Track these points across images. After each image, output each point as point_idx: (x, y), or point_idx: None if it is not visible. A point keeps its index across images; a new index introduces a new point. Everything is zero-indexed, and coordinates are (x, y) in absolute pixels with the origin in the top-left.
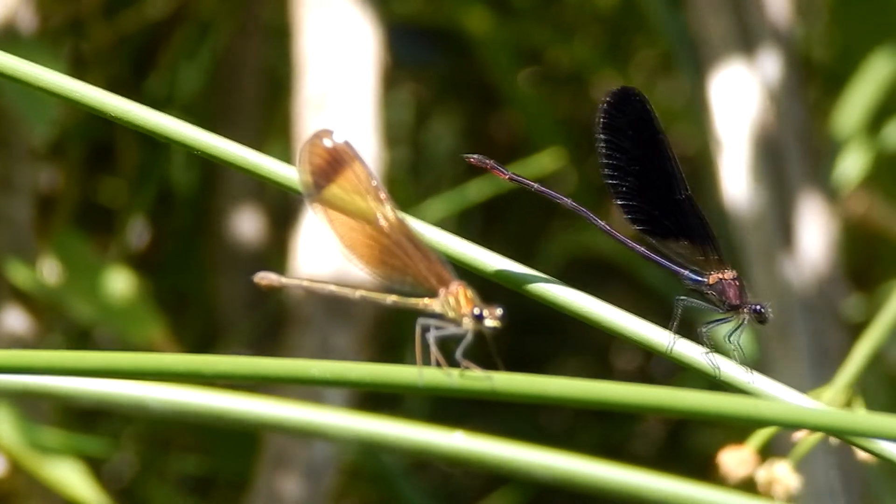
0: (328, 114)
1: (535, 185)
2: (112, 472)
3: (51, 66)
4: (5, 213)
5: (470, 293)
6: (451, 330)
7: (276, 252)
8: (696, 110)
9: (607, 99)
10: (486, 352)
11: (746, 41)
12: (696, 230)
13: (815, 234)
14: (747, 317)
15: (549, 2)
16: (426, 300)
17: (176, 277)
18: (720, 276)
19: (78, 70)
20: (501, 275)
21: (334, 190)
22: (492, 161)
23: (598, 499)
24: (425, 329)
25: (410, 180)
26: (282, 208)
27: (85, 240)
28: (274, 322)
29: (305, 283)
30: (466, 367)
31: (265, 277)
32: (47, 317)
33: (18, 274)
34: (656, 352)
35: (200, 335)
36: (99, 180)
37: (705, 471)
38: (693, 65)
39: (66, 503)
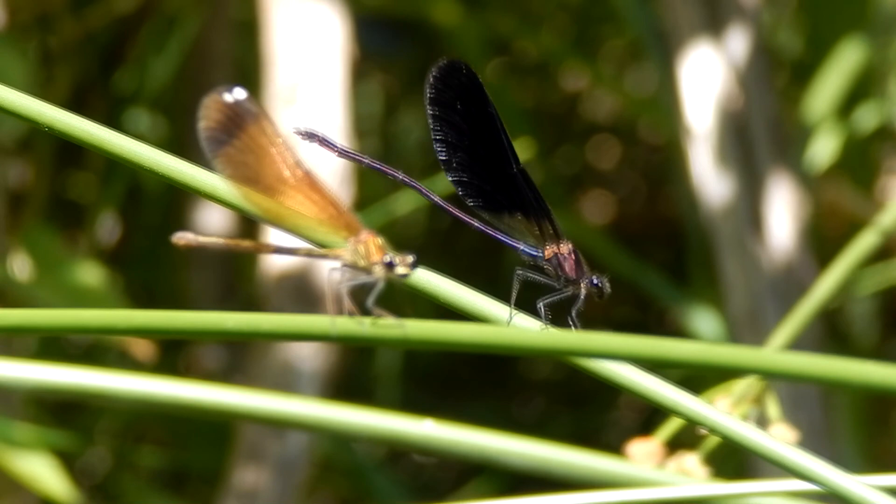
0: (298, 106)
1: (366, 161)
2: (85, 467)
3: (18, 62)
4: None
5: (380, 241)
6: (363, 279)
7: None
8: (665, 99)
9: (434, 73)
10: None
11: (715, 28)
12: (530, 204)
13: (784, 221)
14: (584, 290)
15: None
16: (337, 250)
17: (146, 272)
18: (556, 249)
19: (46, 66)
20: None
21: (237, 145)
22: (321, 134)
23: (572, 486)
24: (337, 279)
25: (378, 175)
26: None
27: (55, 235)
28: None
29: (222, 241)
30: (379, 316)
31: (182, 237)
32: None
33: None
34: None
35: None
36: (68, 175)
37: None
38: (662, 53)
39: (37, 499)
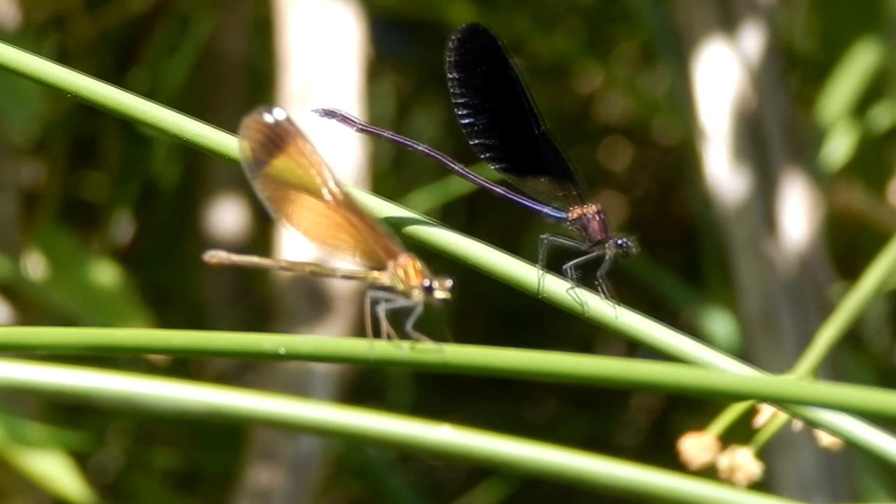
0: (312, 107)
1: (387, 134)
2: (97, 466)
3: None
4: None
5: (419, 265)
6: (401, 303)
7: (259, 244)
8: (679, 100)
9: (456, 36)
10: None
11: (729, 29)
12: (555, 166)
13: (799, 221)
14: (611, 251)
15: None
16: (375, 273)
17: (160, 271)
18: (582, 210)
19: (60, 64)
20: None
21: (277, 165)
22: (340, 111)
23: (583, 491)
24: (375, 302)
25: (393, 173)
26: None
27: (69, 234)
28: (258, 315)
29: (255, 261)
30: (417, 340)
31: (215, 256)
32: (32, 311)
33: (3, 268)
34: (528, 291)
35: (184, 328)
36: (82, 175)
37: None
38: (675, 54)
39: (51, 498)
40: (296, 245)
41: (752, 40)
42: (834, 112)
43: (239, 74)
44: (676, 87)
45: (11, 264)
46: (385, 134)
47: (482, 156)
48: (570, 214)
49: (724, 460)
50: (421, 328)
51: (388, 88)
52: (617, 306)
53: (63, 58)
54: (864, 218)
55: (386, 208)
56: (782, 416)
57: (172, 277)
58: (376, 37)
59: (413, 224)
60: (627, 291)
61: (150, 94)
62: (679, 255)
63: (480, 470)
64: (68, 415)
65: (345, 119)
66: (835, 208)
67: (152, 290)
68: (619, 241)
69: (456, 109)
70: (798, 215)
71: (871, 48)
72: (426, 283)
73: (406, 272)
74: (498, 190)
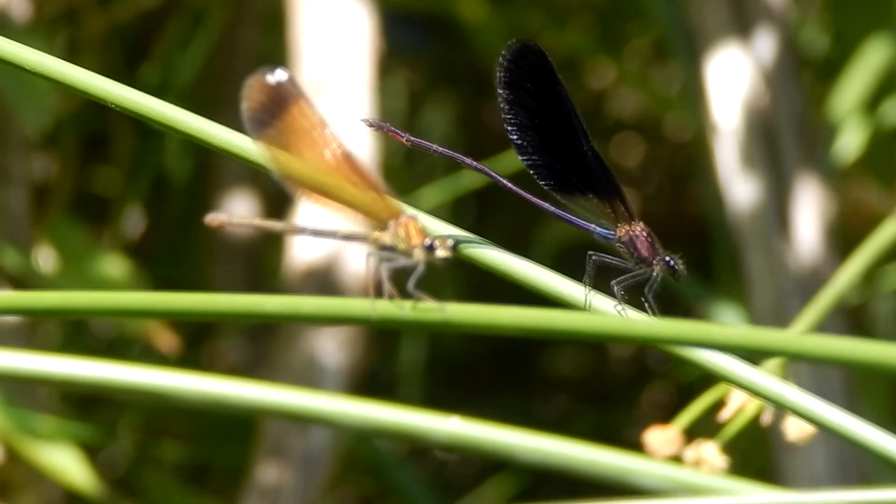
0: (323, 102)
1: (435, 148)
2: (108, 460)
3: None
4: (1, 203)
5: (420, 224)
6: (403, 262)
7: (270, 240)
8: (691, 97)
9: (506, 54)
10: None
11: (742, 26)
12: (601, 184)
13: (810, 219)
14: (658, 269)
15: None
16: (376, 233)
17: (171, 266)
18: (629, 229)
19: (72, 59)
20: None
21: (279, 126)
22: (388, 125)
23: (595, 484)
24: (376, 262)
25: (405, 168)
26: (276, 196)
27: (80, 229)
28: None
29: (256, 223)
30: (419, 299)
31: (215, 218)
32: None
33: (14, 262)
34: (575, 307)
35: (195, 323)
36: (94, 169)
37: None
38: (688, 51)
39: (61, 491)
40: (305, 240)
41: (764, 37)
42: (846, 108)
43: (251, 68)
44: (689, 84)
45: (23, 258)
46: (434, 148)
47: (532, 173)
48: (618, 232)
49: (690, 453)
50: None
51: (400, 84)
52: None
53: (75, 52)
54: (877, 214)
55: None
56: (754, 406)
57: (183, 272)
58: (388, 32)
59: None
60: (640, 287)
61: (162, 89)
62: (691, 251)
63: (491, 465)
64: (79, 407)
65: (393, 132)
66: (847, 205)
67: (163, 285)
68: (668, 260)
69: (506, 126)
70: (809, 212)
71: (884, 44)
72: (427, 242)
73: (407, 231)
74: (549, 207)
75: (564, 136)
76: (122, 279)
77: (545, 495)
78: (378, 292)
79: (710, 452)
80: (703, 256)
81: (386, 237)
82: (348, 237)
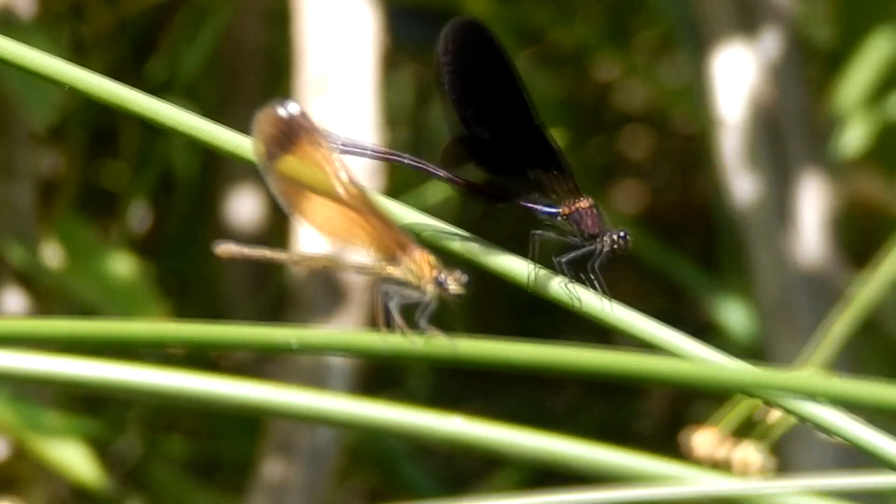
0: (329, 96)
1: (370, 150)
2: (116, 455)
3: (50, 51)
4: (7, 198)
5: (432, 259)
6: (414, 296)
7: (277, 234)
8: (697, 91)
9: (447, 32)
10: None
11: (748, 19)
12: (548, 160)
13: (815, 213)
14: (605, 245)
15: None
16: (388, 267)
17: (178, 261)
18: (576, 204)
19: (78, 54)
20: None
21: (290, 160)
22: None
23: (599, 478)
24: (387, 296)
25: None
26: None
27: (87, 224)
28: (276, 304)
29: (267, 254)
30: (430, 334)
31: (226, 249)
32: (50, 301)
33: (20, 258)
34: (519, 284)
35: (202, 318)
36: (101, 164)
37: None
38: (694, 44)
39: (69, 487)
40: (312, 236)
41: (770, 31)
42: (851, 101)
43: (257, 63)
44: (694, 77)
45: (29, 253)
46: (368, 150)
47: (472, 156)
48: (563, 210)
49: (738, 455)
50: (435, 319)
51: (406, 77)
52: (609, 301)
53: (81, 48)
54: (882, 207)
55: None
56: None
57: (191, 267)
58: (394, 25)
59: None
60: (648, 279)
61: (169, 83)
62: (697, 244)
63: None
64: (86, 403)
65: (356, 148)
66: (852, 197)
67: (171, 280)
68: (615, 234)
69: (448, 99)
70: (814, 205)
71: (889, 37)
72: (439, 277)
73: (419, 266)
74: (485, 191)
75: (511, 113)
76: (129, 275)
77: (552, 485)
78: (388, 326)
79: (755, 453)
80: (708, 250)
81: (397, 271)
82: (360, 270)
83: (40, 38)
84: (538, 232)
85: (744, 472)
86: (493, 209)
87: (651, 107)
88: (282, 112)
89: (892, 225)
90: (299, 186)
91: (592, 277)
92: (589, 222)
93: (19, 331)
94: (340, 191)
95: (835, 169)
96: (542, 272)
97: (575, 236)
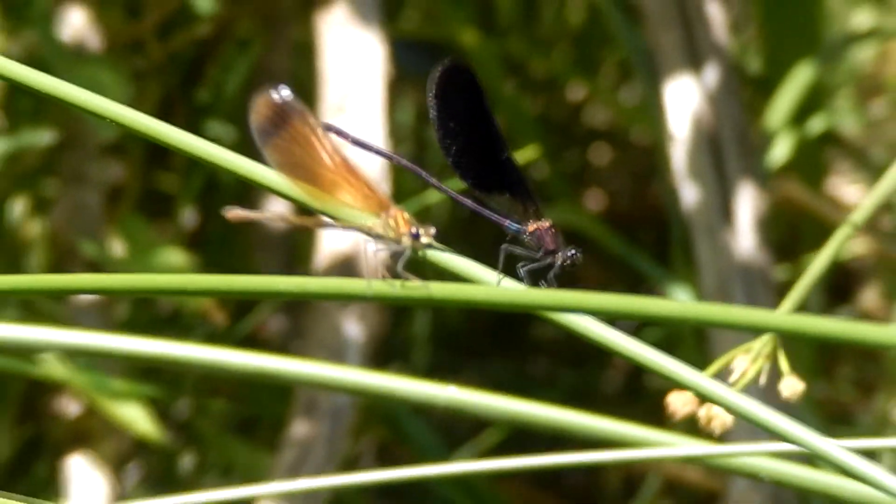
0: (346, 116)
1: (377, 148)
2: (171, 414)
3: (114, 79)
4: (79, 202)
5: (407, 215)
6: (392, 248)
7: (303, 232)
8: (652, 111)
9: (438, 71)
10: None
11: (691, 51)
12: (516, 186)
13: (748, 213)
14: (561, 260)
15: (529, 20)
16: (370, 223)
17: (220, 254)
18: (538, 225)
19: (137, 82)
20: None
21: (283, 136)
22: (334, 126)
23: (569, 437)
24: (371, 248)
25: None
26: None
27: (146, 223)
28: None
29: (268, 216)
30: (407, 279)
31: (233, 211)
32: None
33: (91, 252)
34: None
35: (241, 302)
36: (157, 173)
37: (659, 412)
38: (649, 73)
39: (133, 440)
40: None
41: (710, 61)
42: (778, 121)
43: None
44: (649, 99)
45: (98, 248)
46: (375, 147)
47: (457, 172)
48: (527, 227)
49: (702, 412)
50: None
51: (408, 102)
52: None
53: (138, 76)
54: (804, 209)
55: None
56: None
57: (231, 258)
58: (399, 57)
59: None
60: (611, 269)
61: (212, 105)
62: (651, 239)
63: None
64: (147, 371)
65: (340, 133)
66: (780, 201)
67: (214, 270)
68: (570, 252)
69: (437, 132)
70: (748, 207)
71: (810, 67)
72: (413, 230)
73: (396, 222)
74: (467, 202)
75: (487, 144)
76: (181, 266)
77: (535, 439)
78: (373, 274)
79: (718, 411)
80: (661, 244)
81: (378, 227)
82: (348, 226)
83: (106, 68)
84: (505, 246)
85: (709, 427)
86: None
87: (614, 124)
88: (276, 96)
89: (813, 224)
90: (292, 158)
91: (548, 286)
92: (548, 240)
93: (94, 285)
94: (327, 160)
95: (765, 177)
96: (507, 280)
97: (536, 251)
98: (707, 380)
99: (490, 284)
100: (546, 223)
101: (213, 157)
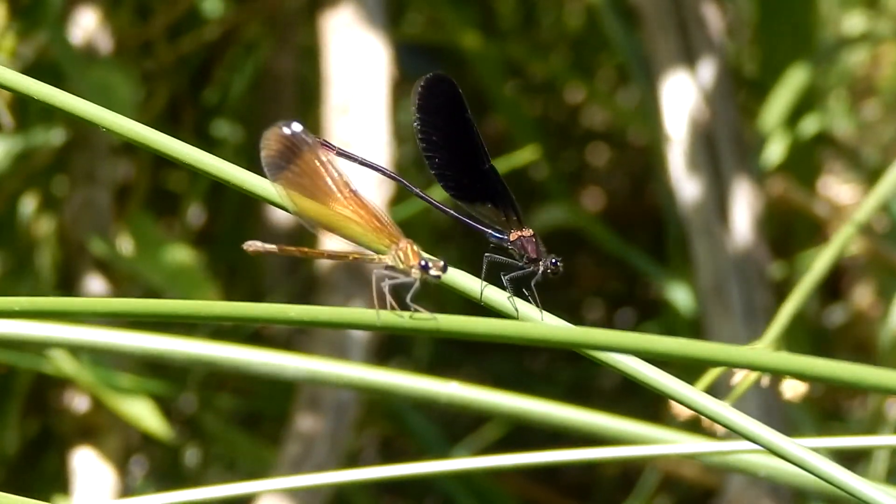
0: (350, 117)
1: (360, 159)
2: (176, 408)
3: (124, 81)
4: (89, 200)
5: (416, 248)
6: (402, 279)
7: (308, 231)
8: (648, 112)
9: (421, 84)
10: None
11: (688, 55)
12: (498, 195)
13: (744, 212)
14: (542, 267)
15: (529, 24)
16: (380, 256)
17: (227, 251)
18: (520, 233)
19: (146, 84)
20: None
21: (294, 171)
22: (320, 139)
23: (565, 431)
24: (380, 279)
25: (415, 171)
26: None
27: (154, 221)
28: (307, 286)
29: (284, 248)
30: (416, 310)
31: (252, 245)
32: (124, 284)
33: (100, 249)
34: (472, 298)
35: (247, 298)
36: (165, 172)
37: (655, 405)
38: (645, 75)
39: (138, 434)
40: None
41: (706, 64)
42: (773, 122)
43: (291, 91)
44: (646, 101)
45: (107, 245)
46: (359, 158)
47: (440, 183)
48: (509, 236)
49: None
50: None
51: (409, 103)
52: (542, 311)
53: (148, 78)
54: (798, 208)
55: None
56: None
57: (237, 256)
58: (402, 60)
59: None
60: (608, 268)
61: (220, 106)
62: (648, 237)
63: None
64: (153, 366)
65: (325, 145)
66: (774, 200)
67: (221, 267)
68: (551, 260)
69: (420, 144)
70: (744, 206)
71: (803, 70)
72: (422, 262)
73: (405, 254)
74: (451, 212)
75: (469, 155)
76: (187, 262)
77: (530, 436)
78: (382, 304)
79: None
80: (658, 242)
81: (388, 259)
82: (358, 259)
83: (116, 70)
84: (489, 254)
85: (711, 428)
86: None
87: (611, 125)
88: (286, 130)
89: (806, 222)
90: (303, 191)
91: (530, 293)
92: (530, 248)
93: (101, 308)
94: (338, 194)
95: (760, 176)
96: (491, 288)
97: (518, 259)
98: (699, 393)
99: (492, 317)
100: (528, 232)
101: (215, 170)
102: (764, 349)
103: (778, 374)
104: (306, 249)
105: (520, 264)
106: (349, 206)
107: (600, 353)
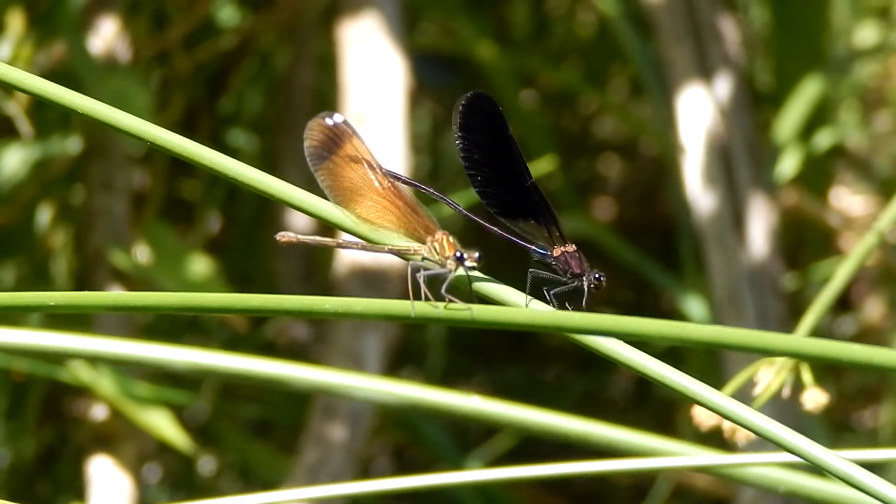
0: (367, 127)
1: (404, 178)
2: (191, 416)
3: (141, 89)
4: (106, 208)
5: (452, 239)
6: (437, 270)
7: (324, 235)
8: (661, 123)
9: (462, 102)
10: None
11: (703, 66)
12: (541, 212)
13: (759, 223)
14: (586, 283)
15: (542, 35)
16: (416, 247)
17: (242, 259)
18: (563, 249)
19: (163, 92)
20: None
21: (335, 160)
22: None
23: (576, 442)
24: (416, 270)
25: (430, 181)
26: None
27: (170, 229)
28: (322, 293)
29: (318, 239)
30: (451, 300)
31: (284, 236)
32: (140, 291)
33: (117, 257)
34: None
35: None
36: (181, 180)
37: (666, 415)
38: (659, 87)
39: (155, 443)
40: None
41: (721, 75)
42: (787, 134)
43: (307, 100)
44: (659, 112)
45: (124, 253)
46: (402, 177)
47: (483, 200)
48: (553, 252)
49: (726, 423)
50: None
51: (425, 112)
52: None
53: (165, 86)
54: (811, 219)
55: None
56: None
57: (253, 263)
58: (418, 70)
59: None
60: (621, 278)
61: (236, 115)
62: (661, 248)
63: None
64: (169, 376)
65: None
66: (787, 211)
67: (236, 274)
68: (595, 275)
69: (462, 162)
70: (758, 217)
71: (817, 83)
72: (458, 254)
73: (441, 245)
74: (495, 229)
75: (511, 173)
76: (203, 270)
77: (542, 444)
78: (416, 295)
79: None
80: (671, 253)
81: (423, 250)
82: (393, 250)
83: (133, 79)
84: (533, 270)
85: (733, 437)
86: (492, 217)
87: (623, 136)
88: (328, 121)
89: (819, 233)
90: (343, 181)
91: (576, 308)
92: (574, 264)
93: (132, 303)
94: (377, 184)
95: (774, 188)
96: (535, 302)
97: (562, 274)
98: (723, 397)
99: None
100: (571, 247)
101: (233, 172)
102: (797, 336)
103: (814, 362)
104: (343, 240)
105: (564, 279)
106: (386, 196)
107: (631, 344)
